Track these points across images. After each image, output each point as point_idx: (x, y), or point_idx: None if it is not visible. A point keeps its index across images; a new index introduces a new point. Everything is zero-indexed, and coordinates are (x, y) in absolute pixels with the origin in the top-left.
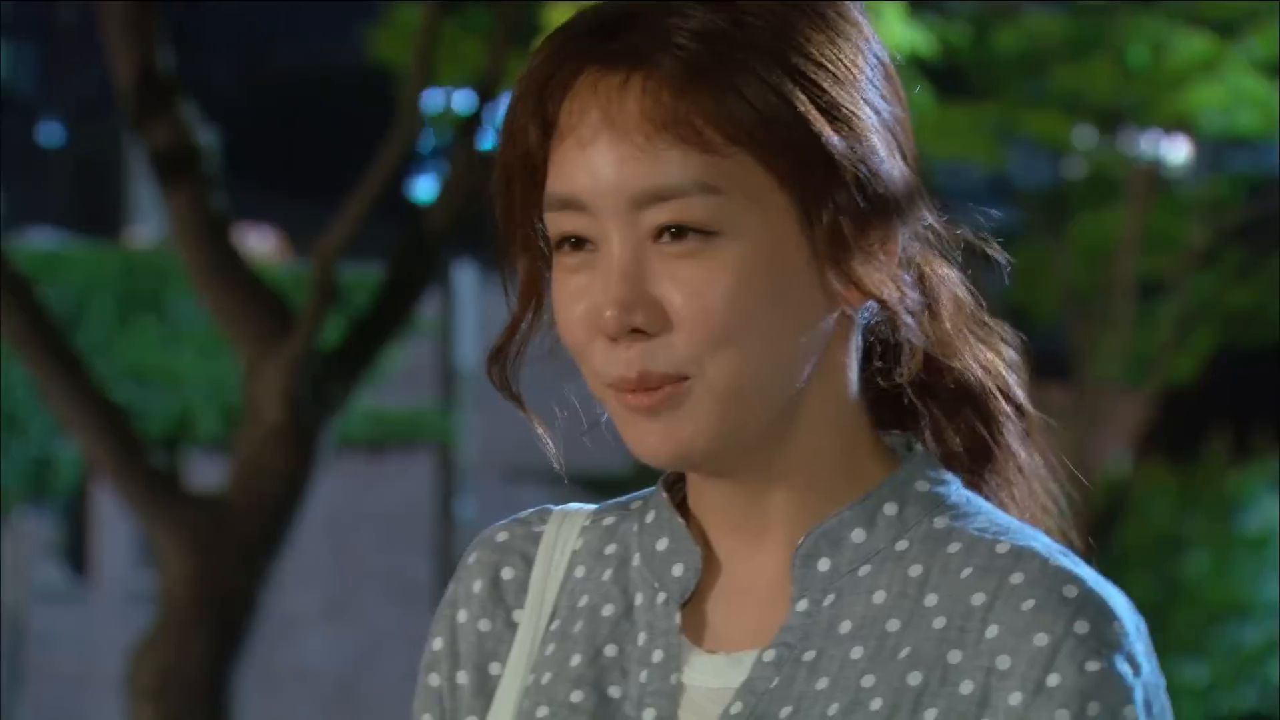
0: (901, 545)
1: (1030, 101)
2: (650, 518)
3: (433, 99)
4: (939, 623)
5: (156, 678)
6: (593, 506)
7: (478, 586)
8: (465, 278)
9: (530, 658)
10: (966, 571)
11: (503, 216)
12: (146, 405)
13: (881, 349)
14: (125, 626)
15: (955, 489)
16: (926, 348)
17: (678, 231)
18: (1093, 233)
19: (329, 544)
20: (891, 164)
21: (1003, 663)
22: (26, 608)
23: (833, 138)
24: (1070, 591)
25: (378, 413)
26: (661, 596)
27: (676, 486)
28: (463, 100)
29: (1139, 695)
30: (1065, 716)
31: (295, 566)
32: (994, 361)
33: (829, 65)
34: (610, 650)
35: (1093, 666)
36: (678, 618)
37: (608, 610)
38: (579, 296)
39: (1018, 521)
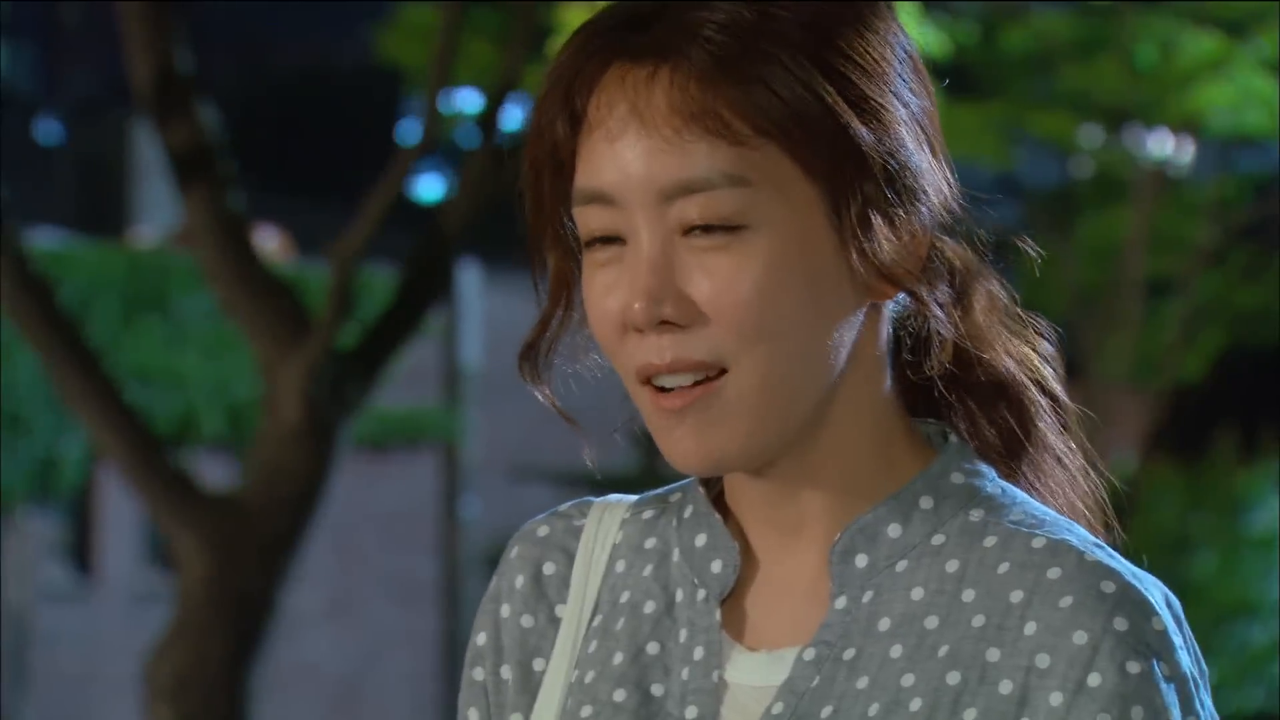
0: (938, 539)
1: (1038, 101)
2: (688, 512)
3: (443, 100)
4: (978, 620)
5: (174, 678)
6: (632, 498)
7: (520, 582)
8: (469, 278)
9: (573, 654)
10: (1004, 567)
11: (531, 212)
12: (151, 405)
13: (911, 341)
14: (130, 626)
15: (990, 481)
16: (957, 340)
17: (707, 227)
18: (1100, 232)
19: (333, 543)
20: (920, 156)
21: (1042, 661)
22: (31, 607)
23: (861, 130)
24: (1108, 587)
25: (382, 412)
26: (701, 593)
27: (713, 479)
28: (470, 101)
29: (1178, 697)
30: None
31: (299, 565)
32: (1028, 354)
33: (857, 58)
34: (652, 648)
35: (1134, 668)
36: (718, 614)
37: (649, 607)
38: (609, 292)
39: (1053, 513)
